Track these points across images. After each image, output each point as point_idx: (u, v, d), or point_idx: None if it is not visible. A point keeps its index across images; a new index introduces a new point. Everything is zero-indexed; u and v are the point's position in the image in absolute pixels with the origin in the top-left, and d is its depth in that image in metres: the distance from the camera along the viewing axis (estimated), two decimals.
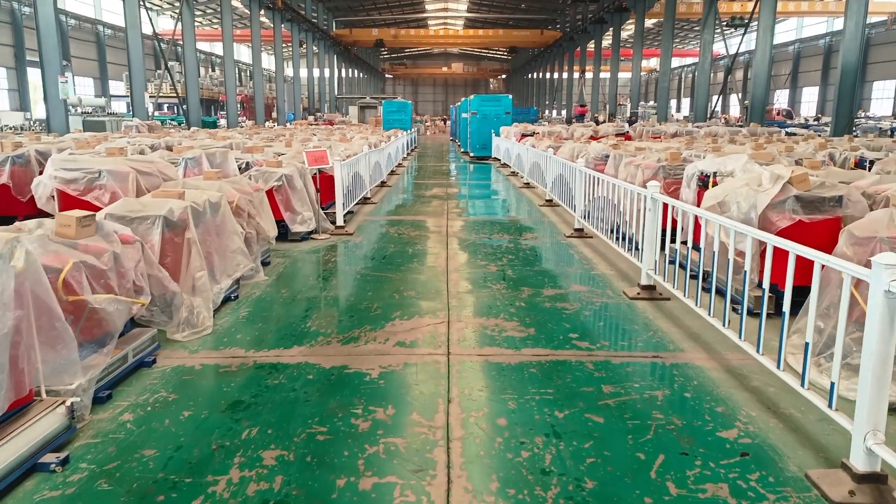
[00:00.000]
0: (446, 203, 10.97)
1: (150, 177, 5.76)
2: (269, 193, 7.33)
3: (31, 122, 26.49)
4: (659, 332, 4.43)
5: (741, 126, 25.02)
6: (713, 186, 5.77)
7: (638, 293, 5.25)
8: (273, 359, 3.90)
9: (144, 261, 3.79)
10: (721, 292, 4.16)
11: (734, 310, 4.04)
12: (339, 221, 8.14)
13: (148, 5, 50.60)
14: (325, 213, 8.42)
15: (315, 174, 8.16)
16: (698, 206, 5.91)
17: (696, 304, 4.26)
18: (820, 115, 48.79)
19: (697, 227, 4.98)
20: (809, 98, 57.56)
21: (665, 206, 5.10)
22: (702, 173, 6.11)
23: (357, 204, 10.27)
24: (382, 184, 13.51)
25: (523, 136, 17.56)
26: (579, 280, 5.90)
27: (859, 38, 18.86)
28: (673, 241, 5.53)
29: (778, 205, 4.64)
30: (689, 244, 5.26)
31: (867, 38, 50.06)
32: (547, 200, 10.77)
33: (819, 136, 18.61)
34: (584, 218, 7.90)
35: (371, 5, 55.96)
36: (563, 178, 9.37)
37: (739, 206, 4.88)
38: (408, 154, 23.00)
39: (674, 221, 5.55)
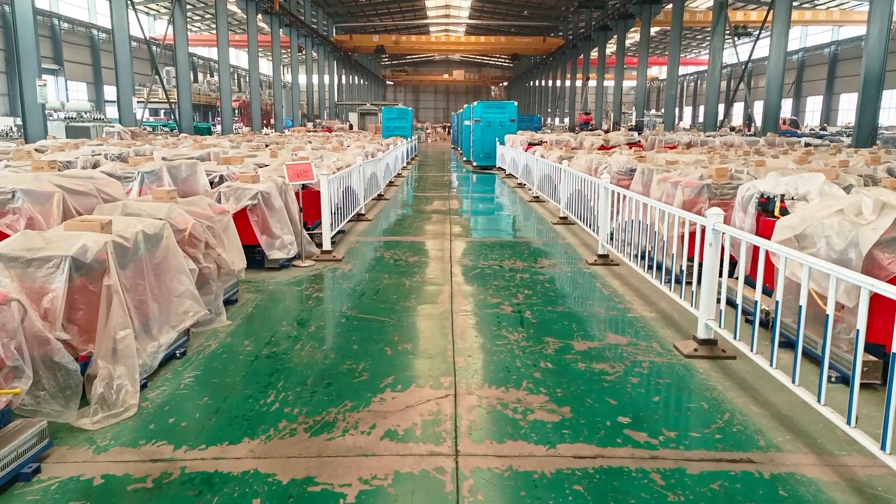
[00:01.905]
0: (449, 220, 9.87)
1: (85, 197, 4.66)
2: (243, 214, 6.24)
3: (12, 128, 25.41)
4: (737, 413, 3.31)
5: (753, 135, 24.05)
6: (781, 212, 4.68)
7: (695, 350, 4.14)
8: (210, 464, 2.78)
9: (27, 327, 2.69)
10: (812, 355, 3.05)
11: (827, 379, 2.93)
12: (326, 245, 7.04)
13: (145, 9, 49.90)
14: (310, 235, 7.33)
15: (299, 190, 7.07)
16: (759, 235, 4.82)
17: (794, 381, 3.13)
18: (825, 125, 47.87)
19: (757, 261, 3.86)
20: (813, 107, 56.67)
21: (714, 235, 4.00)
22: (762, 195, 5.02)
23: (350, 221, 9.18)
24: (379, 196, 12.42)
25: (530, 144, 16.52)
26: (615, 326, 4.78)
27: (883, 44, 17.85)
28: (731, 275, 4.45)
29: (889, 243, 3.54)
30: (779, 292, 4.14)
31: None
32: (561, 218, 9.67)
33: (832, 146, 17.54)
34: (609, 241, 6.81)
35: (372, 11, 55.09)
36: (582, 195, 8.28)
37: (830, 241, 3.78)
38: (408, 163, 21.95)
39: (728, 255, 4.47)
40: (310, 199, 7.44)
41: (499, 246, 7.88)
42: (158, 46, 38.08)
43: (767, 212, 4.93)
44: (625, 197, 6.27)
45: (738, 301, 3.98)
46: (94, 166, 7.07)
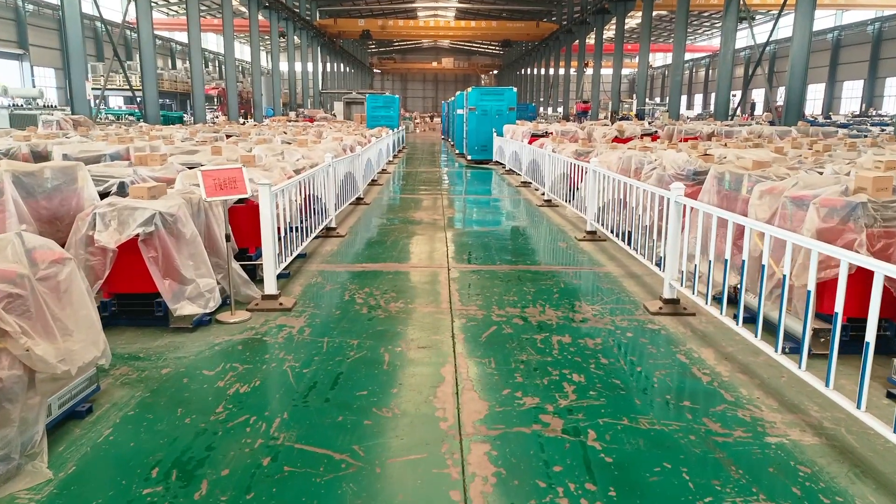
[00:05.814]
0: (445, 235, 7.70)
1: None
2: (132, 247, 4.05)
3: None
4: None
5: (771, 124, 22.10)
6: None
7: None
8: None
9: None
10: None
11: None
12: (270, 287, 4.82)
13: None
14: (252, 269, 5.14)
15: (223, 206, 4.87)
16: None
17: None
18: (831, 113, 46.11)
19: None
20: (814, 95, 54.88)
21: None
22: None
23: (316, 237, 7.01)
24: (358, 200, 10.22)
25: (534, 136, 14.36)
26: (758, 475, 2.63)
27: None
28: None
29: None
30: None
31: (879, 32, 47.40)
32: (588, 232, 7.53)
33: (864, 136, 15.47)
34: (682, 282, 4.68)
35: None
36: (626, 205, 6.15)
37: None
38: (394, 156, 19.71)
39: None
40: (250, 217, 5.23)
41: (515, 279, 5.73)
42: (132, 31, 35.35)
43: None
44: (695, 213, 4.15)
45: None
46: None
